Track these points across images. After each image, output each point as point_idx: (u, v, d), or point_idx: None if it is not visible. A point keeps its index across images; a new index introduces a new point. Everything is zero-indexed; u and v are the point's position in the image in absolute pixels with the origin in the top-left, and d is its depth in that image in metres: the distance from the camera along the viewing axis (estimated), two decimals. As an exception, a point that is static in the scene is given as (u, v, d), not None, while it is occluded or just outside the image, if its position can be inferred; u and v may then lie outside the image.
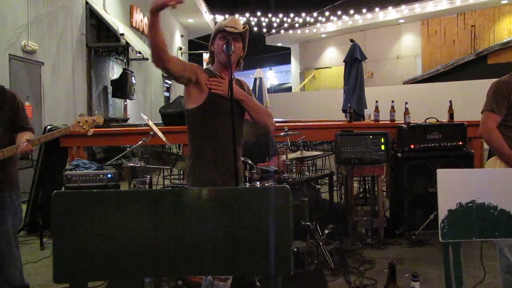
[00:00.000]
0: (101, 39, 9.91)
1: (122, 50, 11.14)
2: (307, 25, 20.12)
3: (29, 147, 2.66)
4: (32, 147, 2.69)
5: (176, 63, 2.29)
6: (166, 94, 16.26)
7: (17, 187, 2.83)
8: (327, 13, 18.84)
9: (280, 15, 19.29)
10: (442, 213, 1.63)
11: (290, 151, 4.87)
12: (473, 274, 3.41)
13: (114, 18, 10.14)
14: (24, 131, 2.77)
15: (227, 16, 19.63)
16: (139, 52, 10.03)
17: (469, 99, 11.59)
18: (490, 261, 3.38)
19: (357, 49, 6.73)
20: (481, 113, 2.72)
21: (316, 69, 21.29)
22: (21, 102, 2.83)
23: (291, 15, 19.44)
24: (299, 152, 4.08)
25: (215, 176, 2.32)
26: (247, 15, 19.16)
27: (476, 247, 3.99)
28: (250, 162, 3.34)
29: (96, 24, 9.63)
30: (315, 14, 19.28)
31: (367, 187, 5.43)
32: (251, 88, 2.79)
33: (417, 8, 16.28)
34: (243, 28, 2.35)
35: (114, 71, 10.86)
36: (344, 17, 18.27)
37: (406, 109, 4.85)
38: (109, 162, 4.60)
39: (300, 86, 21.56)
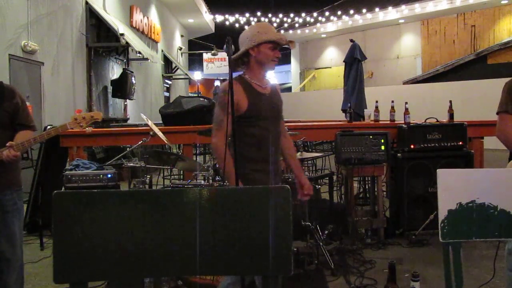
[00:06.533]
0: (101, 39, 9.91)
1: (122, 50, 11.13)
2: (307, 25, 20.15)
3: (10, 155, 2.46)
4: (17, 153, 2.49)
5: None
6: (166, 94, 16.27)
7: (19, 188, 2.70)
8: (327, 13, 18.86)
9: (280, 15, 19.32)
10: (442, 213, 1.63)
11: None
12: (473, 274, 3.42)
13: (114, 18, 10.14)
14: (24, 130, 2.64)
15: (227, 16, 19.67)
16: (139, 52, 10.02)
17: (469, 99, 11.64)
18: (490, 261, 3.38)
19: (357, 49, 6.73)
20: (496, 114, 2.64)
21: (316, 69, 21.31)
22: (21, 98, 2.67)
23: (291, 15, 19.46)
24: (298, 153, 4.07)
25: (258, 176, 2.43)
26: (247, 15, 19.18)
27: (476, 247, 4.00)
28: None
29: (96, 24, 9.63)
30: (315, 14, 19.29)
31: (367, 187, 5.43)
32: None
33: (417, 8, 16.30)
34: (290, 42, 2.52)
35: (114, 71, 10.86)
36: (344, 17, 18.29)
37: (406, 109, 4.85)
38: (109, 162, 4.59)
39: (300, 86, 21.57)
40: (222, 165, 2.39)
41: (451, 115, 5.03)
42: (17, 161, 2.69)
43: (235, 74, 2.52)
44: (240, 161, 2.40)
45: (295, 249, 3.54)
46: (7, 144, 2.48)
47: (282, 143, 2.64)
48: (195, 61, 24.07)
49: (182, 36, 18.45)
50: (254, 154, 2.44)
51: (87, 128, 2.67)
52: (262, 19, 19.32)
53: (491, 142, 3.55)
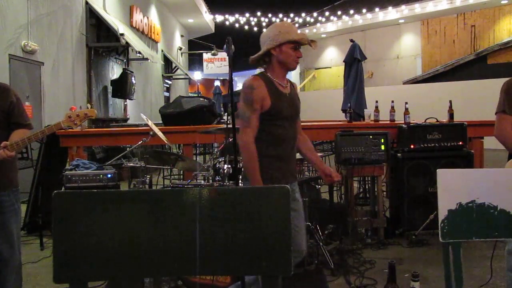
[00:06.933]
0: (101, 39, 9.90)
1: (122, 50, 11.13)
2: (307, 25, 20.13)
3: (4, 155, 2.42)
4: (12, 153, 2.45)
5: (256, 127, 2.43)
6: (166, 94, 16.26)
7: (17, 189, 2.67)
8: (327, 13, 18.85)
9: (280, 15, 19.29)
10: (442, 213, 1.63)
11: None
12: (473, 274, 3.41)
13: (114, 18, 10.14)
14: (20, 128, 2.60)
15: (227, 16, 19.63)
16: (139, 52, 10.02)
17: (469, 99, 11.63)
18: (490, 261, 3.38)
19: (357, 49, 6.73)
20: (495, 114, 2.66)
21: (316, 69, 21.30)
22: (16, 96, 2.61)
23: (291, 15, 19.45)
24: (298, 154, 4.07)
25: (274, 174, 2.46)
26: (247, 15, 19.16)
27: (476, 247, 4.00)
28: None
29: (96, 24, 9.63)
30: (315, 14, 19.29)
31: (367, 187, 5.43)
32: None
33: (417, 8, 16.30)
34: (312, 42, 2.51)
35: (114, 71, 10.86)
36: (344, 17, 18.28)
37: (406, 109, 4.85)
38: (109, 162, 4.59)
39: (300, 86, 21.55)
40: (250, 165, 2.39)
41: (451, 115, 5.03)
42: (14, 161, 2.66)
43: (255, 71, 2.56)
44: (263, 157, 2.47)
45: (295, 249, 3.53)
46: (1, 145, 2.45)
47: (299, 139, 2.67)
48: (195, 61, 24.06)
49: (182, 36, 18.44)
50: (272, 152, 2.47)
51: (82, 125, 2.63)
52: (262, 19, 19.31)
53: (491, 142, 3.55)
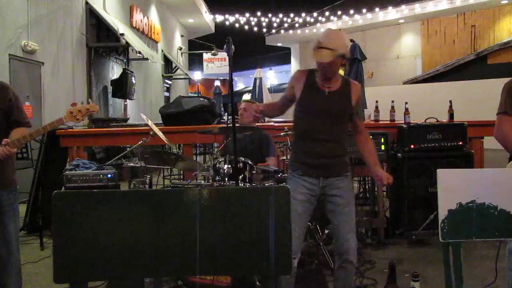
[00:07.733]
0: (101, 39, 9.90)
1: (122, 50, 11.13)
2: (307, 25, 20.12)
3: (6, 152, 2.41)
4: (13, 150, 2.45)
5: (285, 107, 2.74)
6: (166, 94, 16.26)
7: (15, 189, 2.65)
8: (327, 13, 18.85)
9: (280, 15, 19.30)
10: (442, 213, 1.63)
11: (290, 151, 4.86)
12: (473, 274, 3.41)
13: (114, 18, 10.14)
14: (19, 127, 2.58)
15: (227, 16, 19.63)
16: (139, 52, 10.02)
17: (469, 99, 11.62)
18: (490, 261, 3.38)
19: (357, 49, 6.72)
20: (496, 115, 2.61)
21: (316, 69, 21.27)
22: (14, 95, 2.58)
23: (291, 15, 19.45)
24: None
25: (300, 167, 2.58)
26: (247, 15, 19.17)
27: (476, 247, 4.00)
28: (250, 162, 3.33)
29: (96, 24, 9.63)
30: (315, 14, 19.28)
31: (367, 187, 5.43)
32: (251, 87, 2.88)
33: (417, 8, 16.29)
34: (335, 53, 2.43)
35: (114, 71, 10.86)
36: (344, 17, 18.28)
37: (406, 109, 4.85)
38: (109, 162, 4.59)
39: (300, 86, 21.52)
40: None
41: (451, 115, 5.03)
42: (13, 161, 2.65)
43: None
44: (292, 147, 2.72)
45: (295, 249, 3.53)
46: (3, 142, 2.43)
47: (358, 140, 2.74)
48: (195, 61, 24.06)
49: (182, 36, 18.43)
50: (298, 145, 2.64)
51: (84, 120, 2.62)
52: (262, 19, 19.32)
53: (491, 142, 3.54)
